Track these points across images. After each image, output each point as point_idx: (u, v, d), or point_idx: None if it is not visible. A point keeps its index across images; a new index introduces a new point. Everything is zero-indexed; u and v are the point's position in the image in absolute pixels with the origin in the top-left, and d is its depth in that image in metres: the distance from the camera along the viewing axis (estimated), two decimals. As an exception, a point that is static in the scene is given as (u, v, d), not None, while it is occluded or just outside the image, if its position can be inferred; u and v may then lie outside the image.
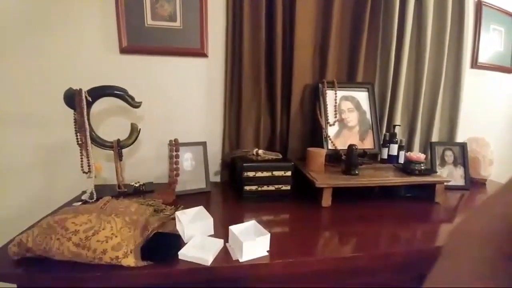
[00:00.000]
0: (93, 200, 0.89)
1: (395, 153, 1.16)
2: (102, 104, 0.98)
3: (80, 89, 0.86)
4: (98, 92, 0.91)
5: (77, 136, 0.89)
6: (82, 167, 0.90)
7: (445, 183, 0.99)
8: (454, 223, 0.86)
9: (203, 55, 1.10)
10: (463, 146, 1.19)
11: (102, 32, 1.03)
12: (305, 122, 1.21)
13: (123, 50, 1.04)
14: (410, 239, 0.74)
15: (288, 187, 0.99)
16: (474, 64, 1.42)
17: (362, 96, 1.19)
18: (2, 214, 1.05)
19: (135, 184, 1.02)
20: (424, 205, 0.97)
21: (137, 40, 1.04)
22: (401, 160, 1.15)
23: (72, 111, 0.88)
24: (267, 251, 0.64)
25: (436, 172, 1.08)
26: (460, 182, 1.15)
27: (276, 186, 0.98)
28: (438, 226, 0.82)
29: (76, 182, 1.02)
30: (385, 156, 1.17)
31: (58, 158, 1.07)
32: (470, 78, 1.38)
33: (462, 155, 1.18)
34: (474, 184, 1.21)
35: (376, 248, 0.68)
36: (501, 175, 1.42)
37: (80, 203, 0.87)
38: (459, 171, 1.17)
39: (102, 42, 1.04)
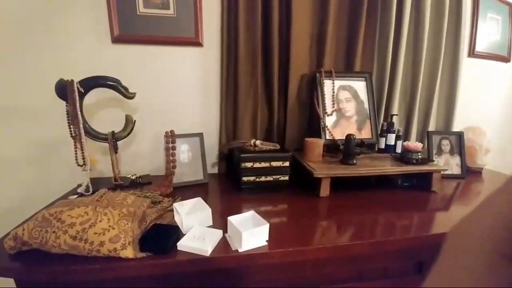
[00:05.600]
0: (89, 193, 0.88)
1: (393, 143, 1.16)
2: (95, 95, 0.96)
3: (72, 80, 0.84)
4: (91, 83, 0.89)
5: (70, 128, 0.87)
6: (76, 159, 0.89)
7: (441, 172, 1.00)
8: (447, 213, 0.87)
9: (198, 44, 1.08)
10: (459, 135, 1.20)
11: (93, 21, 0.99)
12: (302, 112, 1.20)
13: (115, 40, 1.01)
14: (407, 227, 0.74)
15: (286, 178, 0.99)
16: (472, 53, 1.41)
17: (359, 86, 1.18)
18: (-3, 209, 1.04)
19: (131, 177, 1.00)
20: (420, 194, 0.97)
21: (130, 29, 1.01)
22: (399, 149, 1.15)
23: (64, 103, 0.86)
24: (266, 241, 0.64)
25: (433, 161, 1.09)
26: (456, 171, 1.16)
27: (274, 177, 0.98)
28: (435, 214, 0.83)
29: (71, 175, 1.01)
30: (382, 146, 1.17)
31: (53, 151, 1.04)
32: (467, 67, 1.38)
33: (459, 144, 1.19)
34: (470, 173, 1.22)
35: (373, 236, 0.69)
36: (498, 164, 1.43)
37: (76, 196, 0.86)
38: (456, 160, 1.18)
39: (93, 32, 1.00)
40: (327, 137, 1.10)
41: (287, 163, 0.98)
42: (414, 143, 1.03)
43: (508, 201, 0.18)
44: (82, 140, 0.87)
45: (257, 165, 0.95)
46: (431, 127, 1.34)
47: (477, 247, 0.18)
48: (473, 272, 0.18)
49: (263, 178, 0.97)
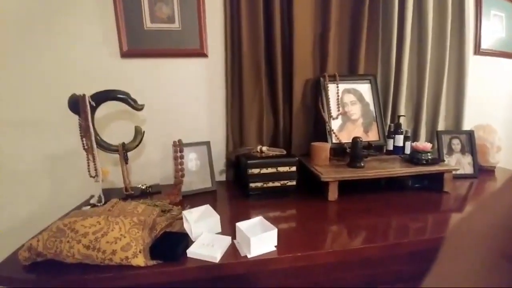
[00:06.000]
0: (101, 204, 0.90)
1: (401, 144, 1.14)
2: (106, 108, 1.00)
3: (84, 95, 0.87)
4: (102, 97, 0.92)
5: (82, 141, 0.90)
6: (89, 171, 0.92)
7: (453, 172, 0.98)
8: (462, 213, 0.84)
9: (203, 55, 1.11)
10: (470, 134, 1.17)
11: (103, 38, 1.04)
12: (308, 116, 1.20)
13: (124, 55, 1.05)
14: (420, 229, 0.73)
15: (294, 183, 0.99)
16: (477, 50, 1.40)
17: (364, 88, 1.18)
18: (11, 222, 1.07)
19: (141, 187, 1.02)
20: (432, 195, 0.95)
21: (137, 44, 1.05)
22: (407, 150, 1.14)
23: (76, 116, 0.89)
24: (275, 246, 0.64)
25: (443, 161, 1.07)
26: (468, 170, 1.14)
27: (282, 182, 0.98)
28: (448, 216, 0.81)
29: (83, 187, 1.04)
30: (390, 148, 1.16)
31: (65, 164, 1.08)
32: (474, 65, 1.36)
33: (470, 143, 1.16)
34: (482, 171, 1.19)
35: (385, 239, 0.68)
36: (510, 162, 1.39)
37: (89, 207, 0.88)
38: (467, 159, 1.15)
39: (103, 48, 1.05)
40: (334, 141, 1.10)
41: (294, 168, 0.98)
42: (422, 144, 1.01)
43: (508, 200, 0.18)
44: (94, 152, 0.90)
45: (264, 171, 0.96)
46: (441, 127, 1.32)
47: (476, 247, 0.18)
48: (473, 272, 0.18)
49: (270, 184, 0.97)
